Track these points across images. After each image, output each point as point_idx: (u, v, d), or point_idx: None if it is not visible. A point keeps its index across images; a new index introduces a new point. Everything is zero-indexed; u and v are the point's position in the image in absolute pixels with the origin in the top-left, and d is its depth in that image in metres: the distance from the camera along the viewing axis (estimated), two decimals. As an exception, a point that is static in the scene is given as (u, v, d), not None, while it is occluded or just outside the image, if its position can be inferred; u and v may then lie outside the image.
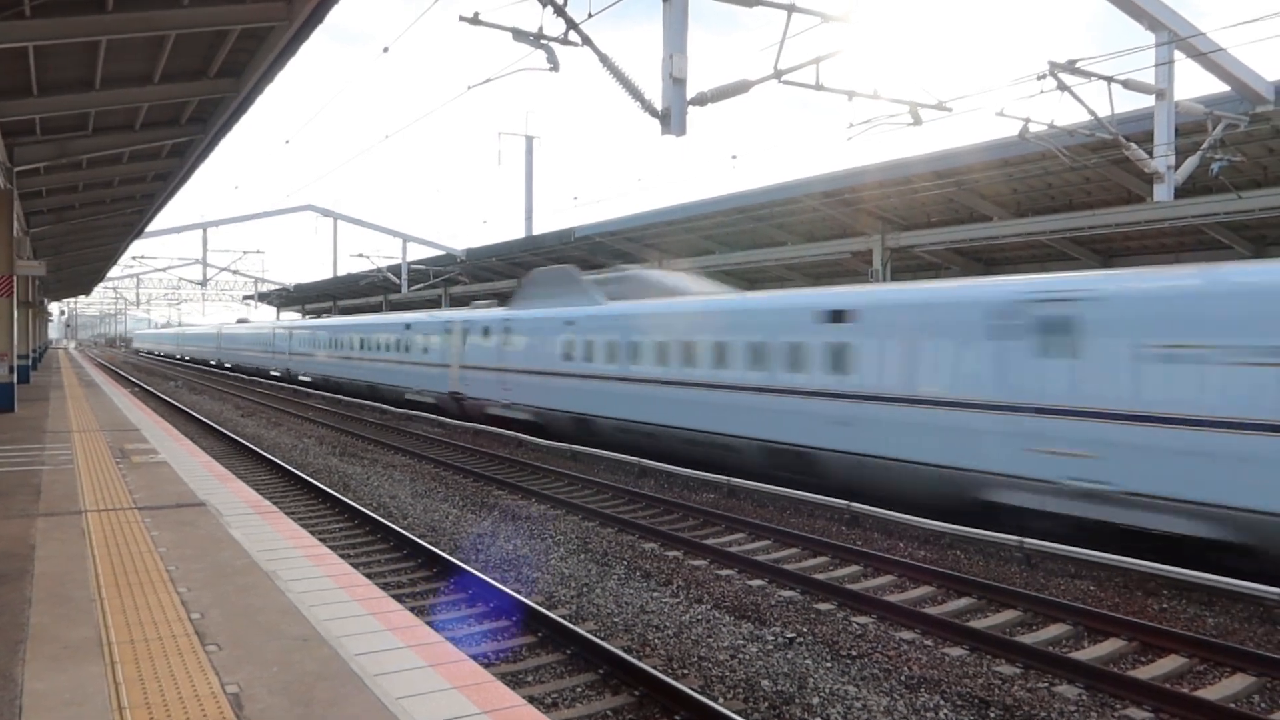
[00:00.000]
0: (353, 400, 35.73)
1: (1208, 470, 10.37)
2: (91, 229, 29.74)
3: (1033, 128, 14.79)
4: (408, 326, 32.18)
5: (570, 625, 8.37)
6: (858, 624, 9.20)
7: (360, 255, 49.95)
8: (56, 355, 71.85)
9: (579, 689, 7.45)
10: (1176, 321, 10.75)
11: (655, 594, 10.11)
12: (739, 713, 7.00)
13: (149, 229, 35.41)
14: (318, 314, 73.57)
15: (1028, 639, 8.77)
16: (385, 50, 16.35)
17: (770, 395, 16.12)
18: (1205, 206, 17.84)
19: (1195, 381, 10.54)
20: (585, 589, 10.25)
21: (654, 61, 11.82)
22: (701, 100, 12.18)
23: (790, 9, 12.22)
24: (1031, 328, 12.17)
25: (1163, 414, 10.78)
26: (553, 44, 12.68)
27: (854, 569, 11.35)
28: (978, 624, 9.19)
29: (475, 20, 12.95)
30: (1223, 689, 7.65)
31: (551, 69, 13.16)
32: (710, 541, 12.48)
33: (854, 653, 8.36)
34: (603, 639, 8.32)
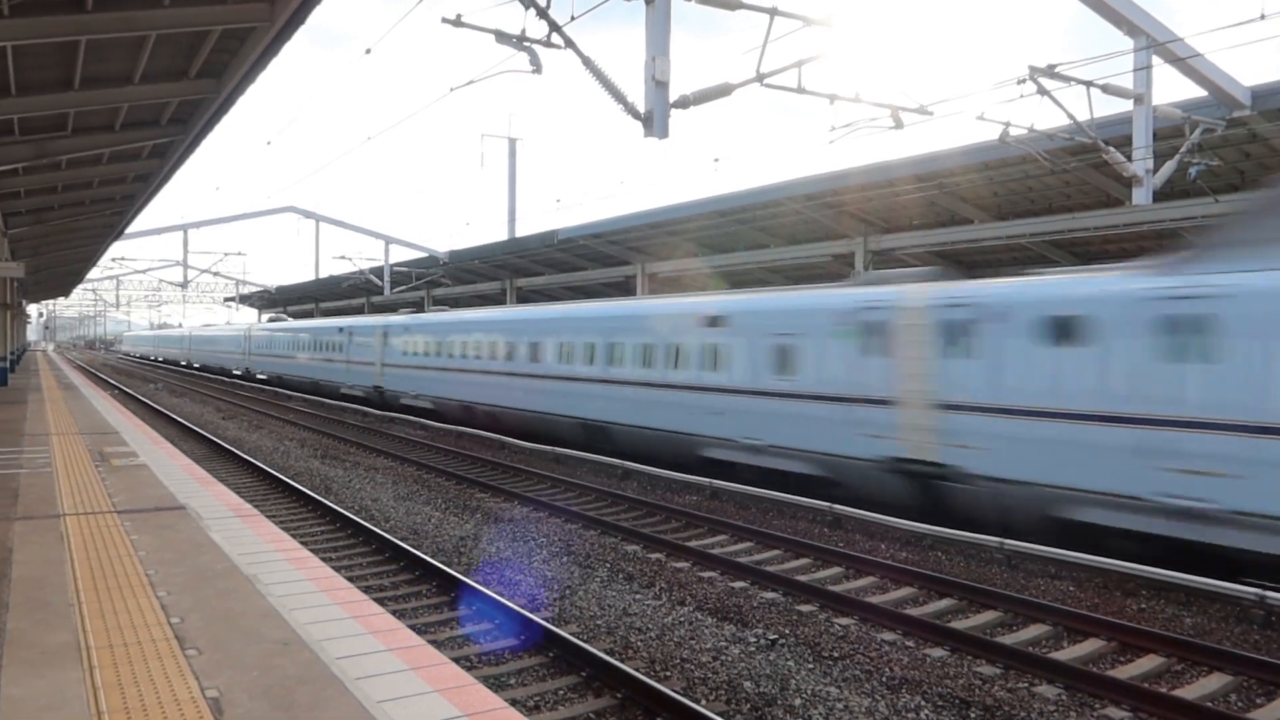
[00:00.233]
0: (334, 403, 35.70)
1: (810, 428, 15.20)
2: (71, 230, 29.50)
3: (1013, 131, 14.89)
4: (341, 330, 37.31)
5: (553, 628, 8.37)
6: (840, 625, 9.24)
7: (342, 257, 49.71)
8: (35, 358, 71.18)
9: (561, 692, 7.45)
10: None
11: (638, 596, 10.12)
12: (721, 714, 7.02)
13: (129, 230, 35.12)
14: (299, 316, 73.22)
15: (1008, 639, 8.83)
16: (368, 52, 16.30)
17: (583, 384, 21.15)
18: (1183, 210, 18.01)
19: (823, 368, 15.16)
20: (568, 591, 10.24)
21: (636, 64, 11.85)
22: (684, 103, 12.19)
23: (773, 12, 12.25)
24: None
25: (802, 391, 15.49)
26: (535, 46, 12.66)
27: (836, 570, 11.39)
28: (959, 625, 9.24)
29: (458, 22, 12.91)
30: (1200, 688, 7.72)
31: (534, 71, 13.15)
32: (693, 544, 12.50)
33: (836, 654, 8.39)
34: (585, 641, 8.32)
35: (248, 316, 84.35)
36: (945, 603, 10.08)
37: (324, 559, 10.03)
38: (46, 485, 10.65)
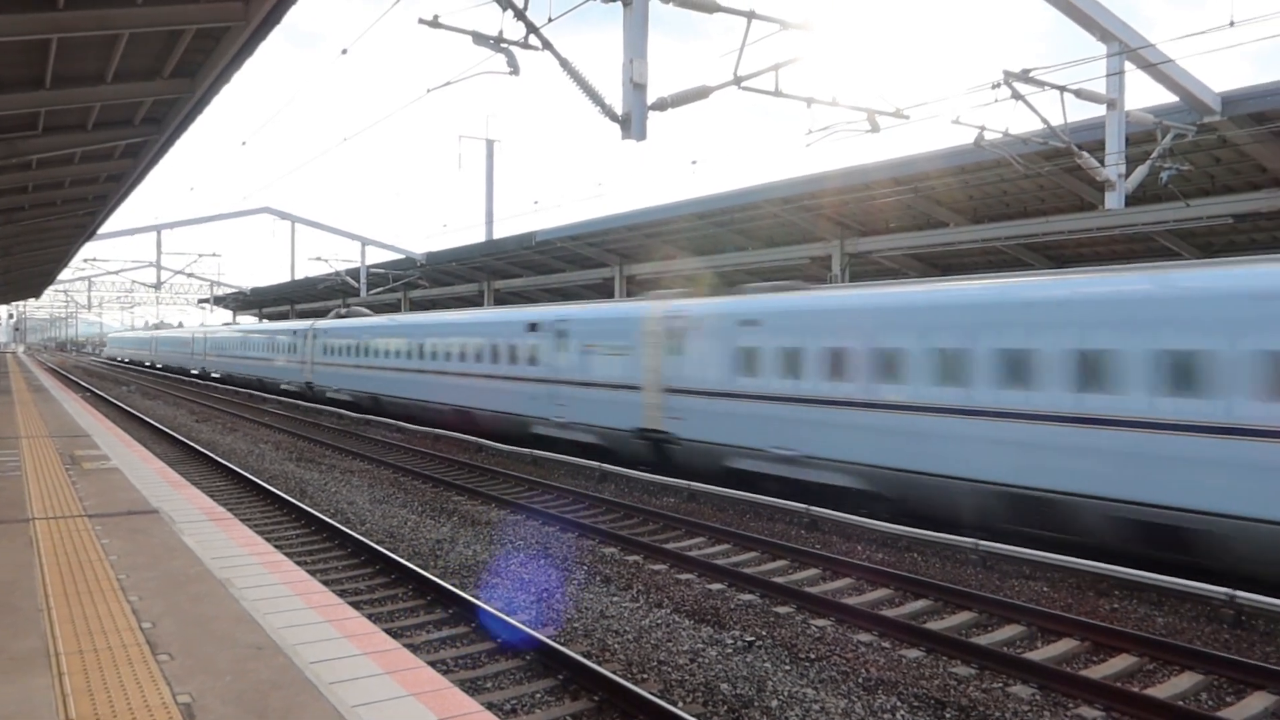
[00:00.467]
0: (310, 405, 35.55)
1: (595, 406, 19.80)
2: (42, 230, 29.11)
3: (988, 136, 15.00)
4: (281, 333, 42.36)
5: (530, 631, 8.35)
6: (816, 627, 9.26)
7: (318, 259, 49.39)
8: (4, 359, 70.22)
9: (538, 694, 7.43)
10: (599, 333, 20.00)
11: (615, 598, 10.11)
12: (698, 716, 7.02)
13: (101, 231, 34.72)
14: (274, 318, 72.77)
15: (983, 640, 8.89)
16: (344, 52, 16.21)
17: (454, 377, 26.03)
18: (1155, 214, 18.21)
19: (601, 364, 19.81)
20: (545, 594, 10.22)
21: (614, 66, 11.79)
22: (662, 105, 12.21)
23: (750, 16, 12.29)
24: (552, 334, 21.45)
25: (590, 380, 20.12)
26: (513, 48, 12.63)
27: (813, 572, 11.43)
28: (934, 626, 9.30)
29: (435, 23, 12.86)
30: (1171, 687, 7.80)
31: (512, 73, 13.11)
32: (670, 546, 12.50)
33: (812, 655, 8.41)
34: (562, 644, 8.30)
35: (222, 318, 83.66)
36: (921, 604, 10.14)
37: (299, 563, 9.95)
38: (15, 489, 10.51)
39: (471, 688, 7.43)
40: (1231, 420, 10.10)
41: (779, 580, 10.73)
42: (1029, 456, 11.85)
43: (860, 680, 7.85)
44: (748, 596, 10.29)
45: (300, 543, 12.59)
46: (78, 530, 8.33)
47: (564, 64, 12.31)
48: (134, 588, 6.48)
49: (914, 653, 8.57)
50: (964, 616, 9.70)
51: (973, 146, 15.49)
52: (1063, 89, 14.31)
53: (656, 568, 11.53)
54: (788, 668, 8.10)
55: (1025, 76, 13.79)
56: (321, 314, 61.58)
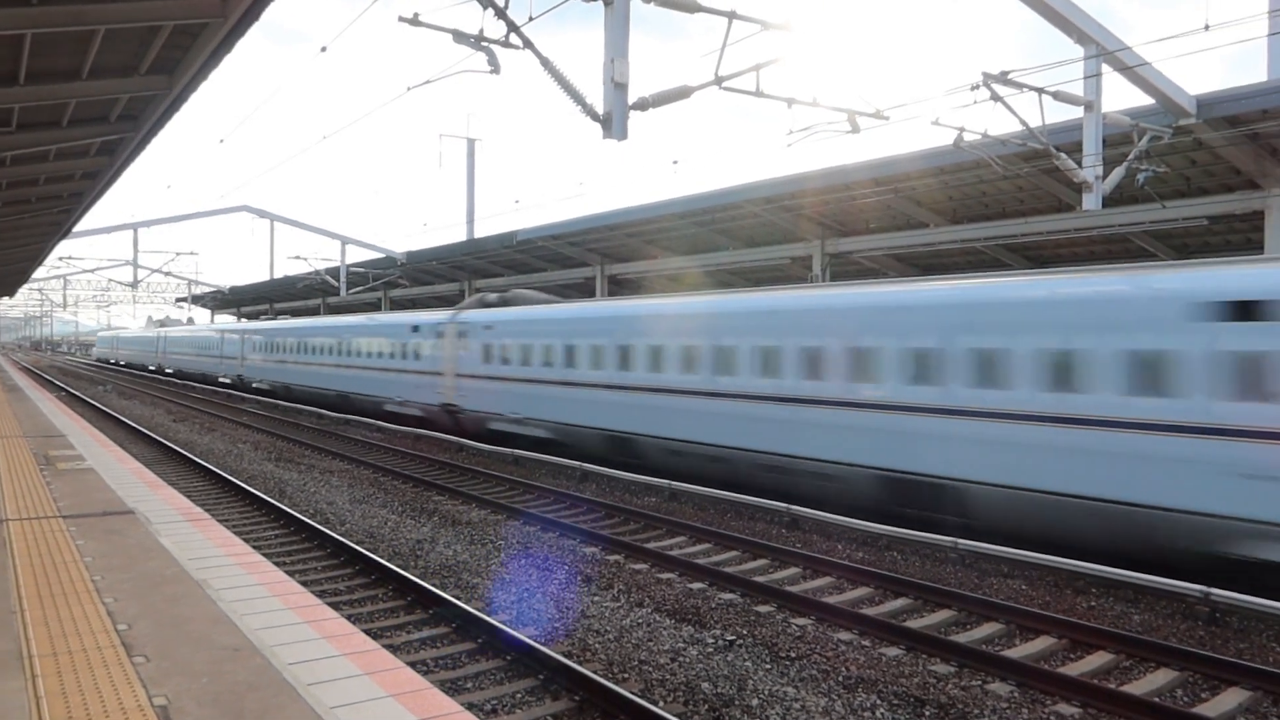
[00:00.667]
0: (289, 406, 35.37)
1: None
2: (16, 229, 28.78)
3: (967, 137, 15.09)
4: (222, 333, 48.56)
5: (510, 631, 8.33)
6: (797, 625, 9.29)
7: (297, 257, 49.08)
8: (-22, 359, 69.37)
9: (519, 695, 7.41)
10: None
11: (596, 598, 10.10)
12: (679, 716, 7.02)
13: (77, 229, 34.36)
14: (253, 317, 72.34)
15: (962, 638, 8.94)
16: (323, 50, 16.12)
17: (336, 369, 32.94)
18: (1131, 215, 18.36)
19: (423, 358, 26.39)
20: (526, 594, 10.20)
21: (595, 66, 11.80)
22: (643, 105, 12.20)
23: (731, 16, 12.31)
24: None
25: (417, 369, 26.74)
26: (494, 46, 12.59)
27: (793, 571, 11.46)
28: (914, 624, 9.34)
29: (415, 21, 12.81)
30: (1147, 684, 7.87)
31: (492, 71, 13.08)
32: (651, 545, 12.50)
33: (793, 654, 8.43)
34: (543, 644, 8.28)
35: (201, 317, 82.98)
36: (901, 602, 10.18)
37: (277, 563, 9.90)
38: (-11, 489, 10.38)
39: (452, 688, 7.40)
40: (949, 404, 12.69)
41: (760, 579, 10.76)
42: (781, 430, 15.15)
43: (840, 679, 7.87)
44: (729, 595, 10.30)
45: (279, 543, 12.51)
46: (52, 531, 8.25)
47: (545, 63, 12.29)
48: (109, 589, 6.41)
49: (894, 651, 8.61)
50: (943, 615, 9.75)
51: (952, 148, 15.58)
52: (1041, 91, 14.42)
53: (637, 567, 11.53)
54: (768, 666, 8.12)
55: (1004, 78, 13.88)
56: (301, 313, 61.35)
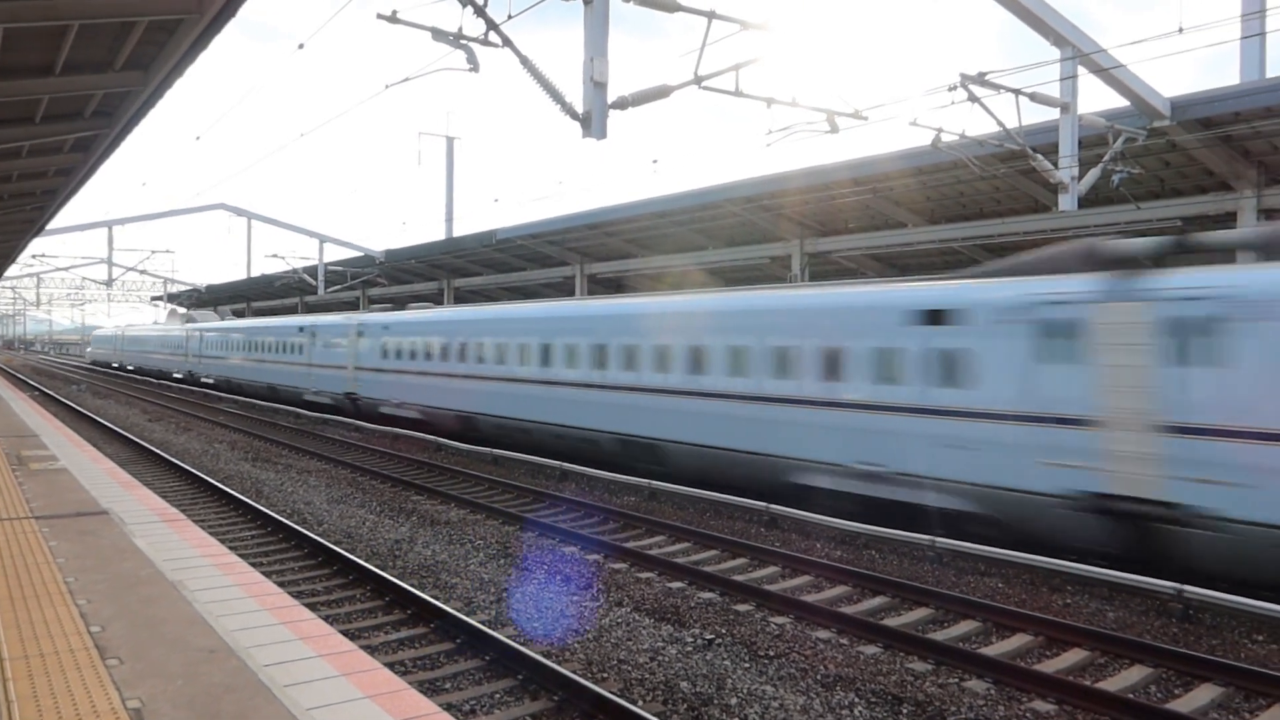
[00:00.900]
0: (266, 405, 35.19)
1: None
2: (-13, 226, 28.40)
3: (945, 138, 15.18)
4: (173, 333, 52.84)
5: (489, 631, 8.31)
6: (775, 624, 9.31)
7: (275, 256, 48.75)
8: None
9: (497, 695, 7.40)
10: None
11: (575, 597, 10.09)
12: (658, 715, 7.03)
13: (50, 226, 33.98)
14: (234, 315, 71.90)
15: (939, 636, 8.99)
16: (300, 47, 16.02)
17: (265, 364, 37.79)
18: (1106, 216, 18.53)
19: (332, 354, 31.34)
20: (505, 594, 10.17)
21: (575, 64, 11.78)
22: (622, 104, 12.20)
23: (710, 16, 12.32)
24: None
25: (327, 364, 31.61)
26: (473, 44, 12.55)
27: (772, 570, 11.49)
28: (891, 622, 9.39)
29: (393, 18, 12.75)
30: (1122, 680, 7.95)
31: (471, 70, 13.03)
32: (631, 545, 12.50)
33: (771, 653, 8.46)
34: (522, 644, 8.27)
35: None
36: (878, 600, 10.23)
37: (253, 564, 9.82)
38: (-40, 490, 10.25)
39: (430, 689, 7.37)
40: (643, 383, 17.45)
41: (739, 578, 10.78)
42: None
43: (819, 677, 7.90)
44: (707, 595, 10.32)
45: (256, 544, 12.42)
46: (24, 532, 8.15)
47: (524, 61, 12.26)
48: (82, 590, 6.35)
49: (872, 649, 8.65)
50: (921, 613, 9.80)
51: (930, 148, 15.67)
52: (1018, 92, 14.52)
53: (617, 566, 11.53)
54: (747, 665, 8.14)
55: (981, 79, 13.97)
56: (279, 312, 60.94)
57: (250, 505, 14.25)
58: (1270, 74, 20.24)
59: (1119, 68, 14.30)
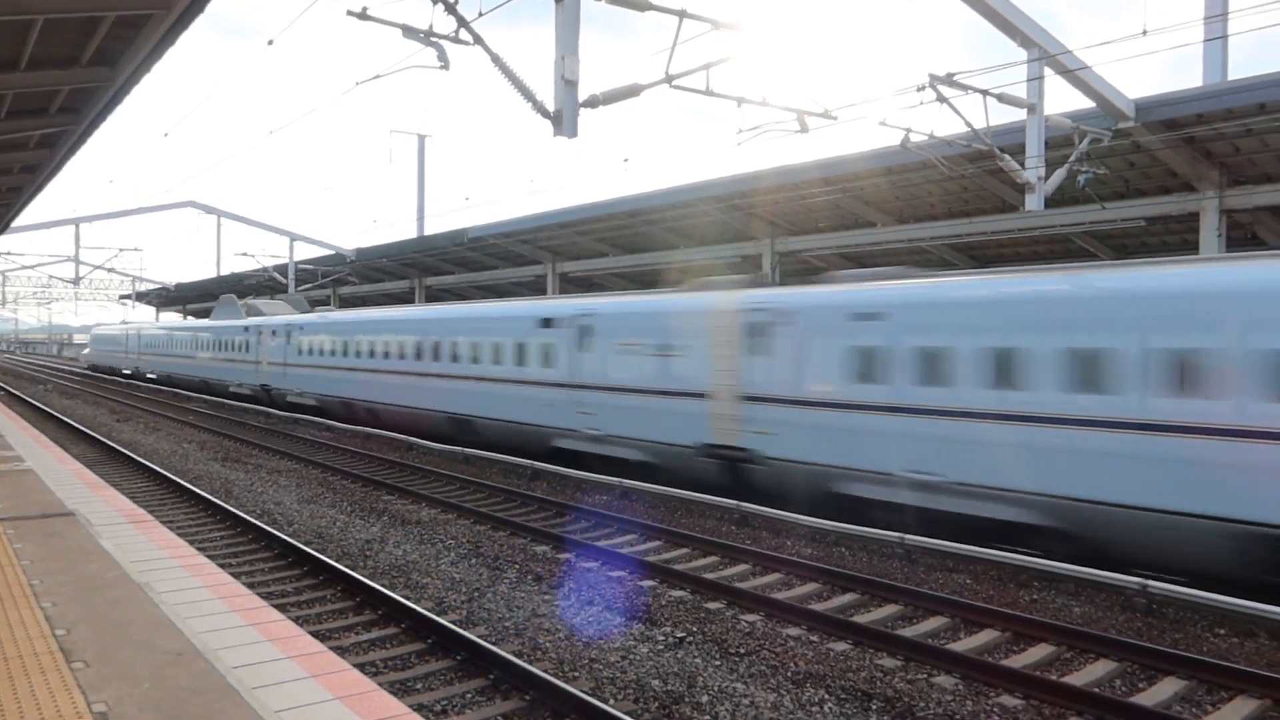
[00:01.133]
0: (235, 404, 34.88)
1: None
2: (-51, 223, 27.95)
3: (914, 138, 15.29)
4: (139, 332, 54.72)
5: (460, 630, 8.29)
6: (746, 622, 9.37)
7: (245, 254, 48.32)
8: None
9: (469, 695, 7.39)
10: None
11: (546, 597, 10.10)
12: (629, 713, 7.05)
13: (16, 223, 33.49)
14: (201, 315, 71.27)
15: (908, 632, 9.08)
16: (270, 43, 15.90)
17: (177, 359, 44.65)
18: (1072, 216, 18.76)
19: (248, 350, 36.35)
20: (476, 593, 10.16)
21: (546, 63, 11.77)
22: (593, 102, 12.21)
23: (681, 14, 12.34)
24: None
25: (243, 360, 36.64)
26: (443, 42, 12.51)
27: (743, 568, 11.55)
28: (861, 619, 9.46)
29: (363, 15, 12.67)
30: (1087, 674, 8.06)
31: (442, 67, 12.99)
32: (603, 544, 12.52)
33: (742, 650, 8.51)
34: (493, 644, 8.27)
35: (145, 314, 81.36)
36: (848, 597, 10.31)
37: (222, 565, 9.76)
38: (-79, 492, 10.10)
39: (401, 689, 7.36)
40: (500, 374, 20.71)
41: (709, 576, 10.82)
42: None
43: (789, 674, 7.96)
44: (679, 593, 10.36)
45: (225, 545, 12.32)
46: (-12, 535, 8.04)
47: (495, 59, 12.23)
48: (48, 593, 6.28)
49: (841, 645, 8.72)
50: (890, 609, 9.89)
51: (899, 148, 15.78)
52: (985, 93, 14.65)
53: (589, 565, 11.54)
54: (718, 663, 8.18)
55: (949, 80, 14.09)
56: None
57: (219, 506, 14.13)
58: (1232, 76, 20.56)
59: (1085, 69, 14.47)
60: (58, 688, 4.67)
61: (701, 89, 13.21)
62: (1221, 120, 15.08)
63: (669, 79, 12.66)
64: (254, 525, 12.77)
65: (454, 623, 8.93)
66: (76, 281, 60.09)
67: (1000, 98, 14.77)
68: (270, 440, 24.18)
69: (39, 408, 31.74)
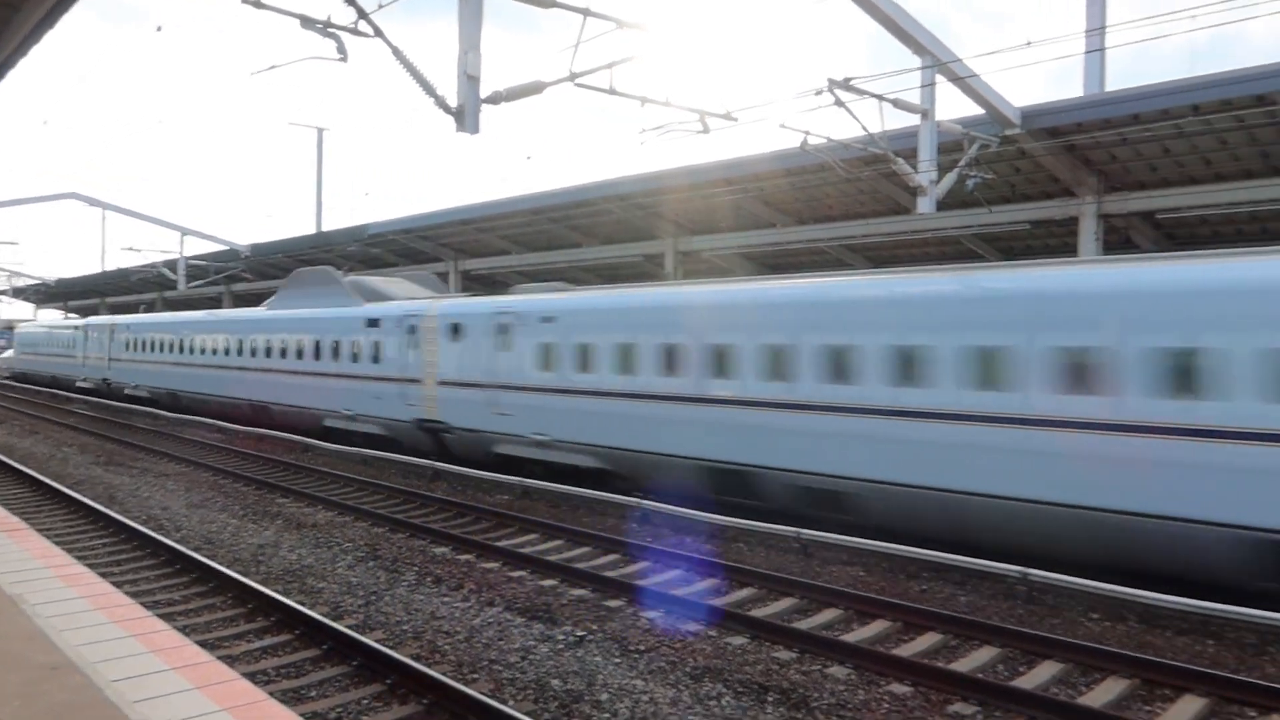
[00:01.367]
0: (121, 405, 33.51)
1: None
2: None
3: (812, 140, 15.62)
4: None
5: (355, 635, 8.14)
6: (646, 619, 9.43)
7: (131, 249, 46.37)
8: None
9: (365, 701, 7.26)
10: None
11: (446, 599, 9.99)
12: (529, 714, 7.04)
13: (-125, 214, 31.50)
14: (85, 312, 68.17)
15: (803, 625, 9.28)
16: (159, 29, 15.32)
17: (51, 358, 45.39)
18: (961, 219, 19.43)
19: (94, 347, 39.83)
20: (374, 597, 9.99)
21: (449, 58, 11.63)
22: (496, 99, 12.11)
23: (586, 13, 12.34)
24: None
25: (88, 356, 40.31)
26: (342, 33, 12.23)
27: (644, 565, 11.62)
28: (758, 613, 9.63)
29: (259, 4, 12.30)
30: (972, 661, 8.37)
31: (341, 59, 12.69)
32: (503, 543, 12.45)
33: (642, 647, 8.57)
34: (391, 648, 8.14)
35: (22, 311, 77.40)
36: (746, 592, 10.48)
37: (103, 574, 9.38)
38: None
39: (294, 698, 7.19)
40: (367, 372, 21.83)
41: (610, 574, 10.86)
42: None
43: (688, 669, 8.05)
44: (579, 592, 10.37)
45: (107, 553, 11.83)
46: None
47: (396, 52, 12.02)
48: (-91, 608, 5.94)
49: (739, 640, 8.86)
50: (786, 603, 10.09)
51: (799, 150, 16.09)
52: (881, 98, 15.04)
53: (489, 566, 11.46)
54: (618, 660, 8.22)
55: (846, 85, 14.42)
56: (135, 307, 58.12)
57: (101, 512, 13.55)
58: (1110, 87, 21.57)
59: (974, 77, 14.99)
60: (-81, 708, 4.43)
61: (605, 88, 13.22)
62: (1099, 129, 15.82)
63: (573, 77, 12.64)
64: (139, 532, 12.29)
65: (350, 627, 8.76)
66: (-54, 276, 56.76)
67: (895, 103, 15.19)
68: (157, 443, 23.30)
69: (-97, 410, 29.92)
